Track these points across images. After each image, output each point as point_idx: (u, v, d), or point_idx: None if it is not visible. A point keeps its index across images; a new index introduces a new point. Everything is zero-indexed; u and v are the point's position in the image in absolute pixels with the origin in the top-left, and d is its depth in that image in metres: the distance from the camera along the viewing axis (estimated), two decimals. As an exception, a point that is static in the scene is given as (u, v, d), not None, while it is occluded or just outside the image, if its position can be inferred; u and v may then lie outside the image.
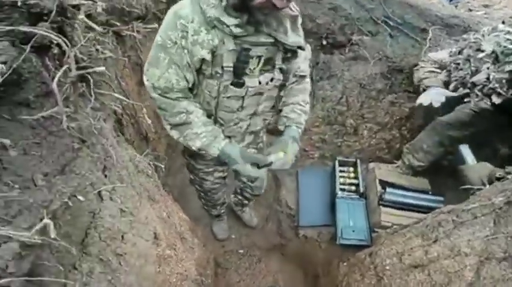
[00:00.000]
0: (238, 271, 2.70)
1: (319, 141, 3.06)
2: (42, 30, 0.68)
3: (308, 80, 1.72)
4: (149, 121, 2.12)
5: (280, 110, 1.70)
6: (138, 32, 2.14)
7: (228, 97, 1.43)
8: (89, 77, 0.99)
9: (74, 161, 0.82)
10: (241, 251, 2.80)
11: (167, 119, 1.46)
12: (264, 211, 3.01)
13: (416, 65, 2.63)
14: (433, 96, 2.32)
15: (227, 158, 1.48)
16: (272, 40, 1.30)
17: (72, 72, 0.78)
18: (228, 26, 1.21)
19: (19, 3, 0.68)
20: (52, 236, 0.62)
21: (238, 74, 1.35)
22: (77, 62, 1.02)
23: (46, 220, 0.61)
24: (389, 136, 2.99)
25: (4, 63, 0.59)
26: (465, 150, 2.30)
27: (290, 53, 1.41)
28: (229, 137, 1.64)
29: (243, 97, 1.45)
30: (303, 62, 1.60)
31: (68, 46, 0.76)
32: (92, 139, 0.94)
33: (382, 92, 2.84)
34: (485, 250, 1.35)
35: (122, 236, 0.97)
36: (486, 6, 4.15)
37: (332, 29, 2.71)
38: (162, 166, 1.75)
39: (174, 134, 1.49)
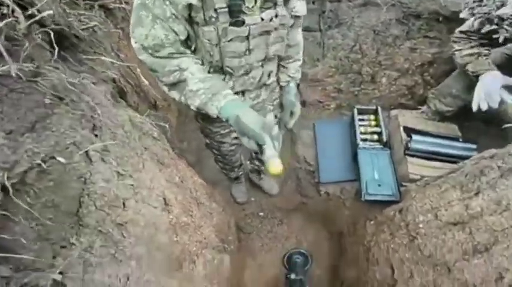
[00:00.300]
0: (260, 234, 2.64)
1: (334, 91, 2.87)
2: None
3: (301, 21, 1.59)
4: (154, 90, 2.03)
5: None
6: (126, 3, 2.05)
7: (230, 40, 1.28)
8: (50, 31, 0.84)
9: (48, 117, 0.69)
10: (261, 213, 2.72)
11: (161, 79, 1.33)
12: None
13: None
14: (491, 94, 1.91)
15: (229, 120, 1.22)
16: None
17: (21, 25, 0.64)
18: None
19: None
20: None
21: (235, 13, 1.22)
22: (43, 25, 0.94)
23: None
24: (411, 82, 2.78)
25: None
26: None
27: None
28: (242, 92, 1.56)
29: (247, 37, 1.30)
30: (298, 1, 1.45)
31: None
32: (71, 96, 0.80)
33: (399, 38, 2.62)
34: None
35: (124, 204, 0.84)
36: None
37: None
38: (166, 125, 1.60)
39: (174, 95, 1.35)
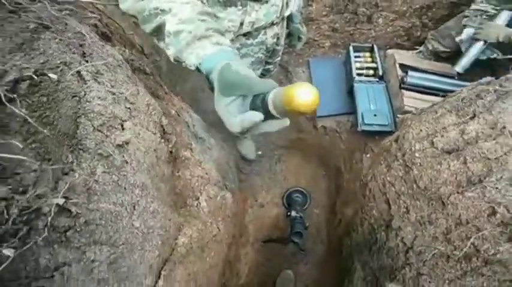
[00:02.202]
0: (260, 174, 2.63)
1: (329, 30, 2.77)
2: None
3: None
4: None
5: None
6: None
7: None
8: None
9: (35, 41, 0.61)
10: (260, 152, 2.70)
11: (144, 29, 0.97)
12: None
13: None
14: None
15: (213, 72, 0.79)
16: None
17: None
18: None
19: None
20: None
21: None
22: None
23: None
24: (408, 24, 2.70)
25: None
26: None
27: None
28: (263, 27, 1.44)
29: None
30: None
31: None
32: (57, 26, 0.71)
33: None
34: None
35: (122, 126, 0.78)
36: None
37: None
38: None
39: (162, 45, 0.96)
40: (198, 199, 1.39)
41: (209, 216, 1.46)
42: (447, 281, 1.21)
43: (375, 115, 2.13)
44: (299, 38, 1.81)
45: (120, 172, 0.76)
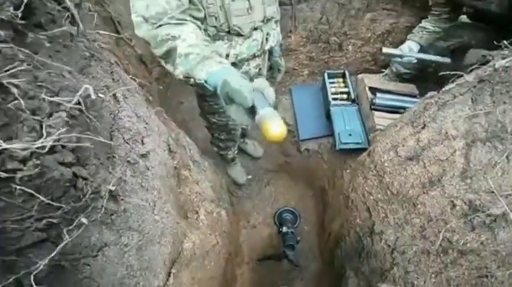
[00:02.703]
0: (251, 197, 2.85)
1: (306, 59, 3.12)
2: None
3: None
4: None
5: None
6: None
7: (233, 0, 1.43)
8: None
9: (88, 67, 0.88)
10: (249, 177, 2.93)
11: (156, 53, 1.28)
12: (264, 133, 3.09)
13: None
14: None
15: (217, 87, 1.05)
16: None
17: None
18: None
19: None
20: (92, 96, 0.68)
21: None
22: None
23: (87, 86, 0.66)
24: (373, 49, 3.05)
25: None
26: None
27: None
28: (246, 59, 1.71)
29: None
30: None
31: None
32: (98, 55, 0.99)
33: (360, 10, 2.86)
34: (469, 131, 1.37)
35: (142, 140, 1.04)
36: None
37: None
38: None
39: (169, 68, 1.27)
40: (197, 212, 1.62)
41: (208, 228, 1.67)
42: (433, 275, 1.37)
43: (350, 135, 2.40)
44: (279, 70, 2.11)
45: (143, 176, 1.01)
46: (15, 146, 0.48)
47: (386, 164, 1.79)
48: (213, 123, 2.12)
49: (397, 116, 2.39)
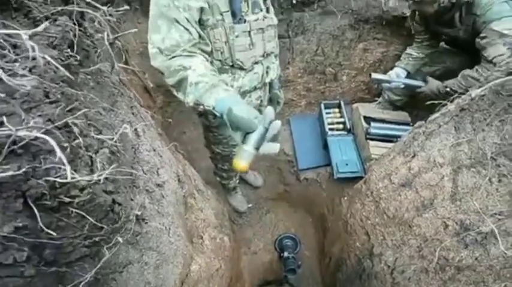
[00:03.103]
0: (251, 224, 2.97)
1: (304, 90, 3.31)
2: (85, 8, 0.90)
3: None
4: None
5: None
6: (110, 15, 2.30)
7: (237, 36, 1.61)
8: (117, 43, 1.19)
9: (116, 103, 1.05)
10: (250, 205, 3.05)
11: (168, 82, 1.46)
12: (264, 164, 3.26)
13: None
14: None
15: (223, 114, 1.20)
16: None
17: (109, 37, 0.99)
18: None
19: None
20: (133, 139, 0.84)
21: (236, 15, 1.56)
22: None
23: (125, 127, 0.82)
24: (366, 78, 3.25)
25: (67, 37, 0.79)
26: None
27: None
28: (249, 92, 1.89)
29: (249, 32, 1.65)
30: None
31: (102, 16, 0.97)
32: (121, 90, 1.16)
33: (353, 41, 3.06)
34: (454, 158, 1.52)
35: (157, 171, 1.20)
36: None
37: None
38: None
39: (180, 96, 1.45)
40: (202, 237, 1.75)
41: (212, 253, 1.80)
42: (433, 292, 1.50)
43: (346, 164, 2.54)
44: (278, 102, 2.31)
45: (159, 203, 1.16)
46: (85, 178, 0.63)
47: (381, 190, 1.93)
48: (217, 153, 2.27)
49: (391, 145, 2.58)
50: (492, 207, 1.32)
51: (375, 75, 2.65)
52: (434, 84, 2.46)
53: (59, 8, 0.83)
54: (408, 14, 2.67)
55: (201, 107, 1.30)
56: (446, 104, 1.70)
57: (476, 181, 1.40)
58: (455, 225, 1.44)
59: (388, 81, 2.63)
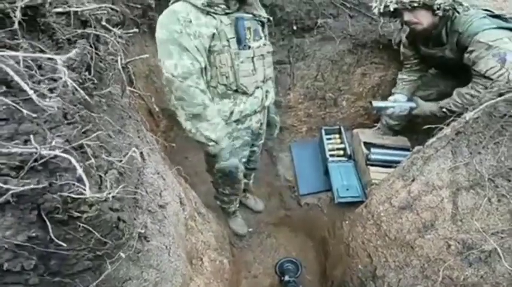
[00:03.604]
0: (252, 248, 2.97)
1: (304, 116, 3.40)
2: (100, 32, 0.98)
3: None
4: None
5: None
6: (120, 37, 2.40)
7: (242, 62, 1.74)
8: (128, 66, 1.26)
9: (124, 126, 1.11)
10: (250, 229, 3.06)
11: (185, 108, 1.71)
12: (266, 189, 3.31)
13: None
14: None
15: (227, 151, 1.88)
16: (251, 15, 1.79)
17: (121, 61, 1.07)
18: (218, 6, 1.62)
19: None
20: (139, 161, 0.90)
21: (241, 42, 1.71)
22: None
23: (134, 150, 0.89)
24: (366, 103, 3.34)
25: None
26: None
27: (264, 25, 1.91)
28: (249, 115, 2.01)
29: (252, 59, 1.78)
30: None
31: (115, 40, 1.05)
32: (130, 114, 1.23)
33: (352, 66, 3.15)
34: (453, 181, 1.55)
35: (160, 193, 1.25)
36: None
37: (299, 15, 2.96)
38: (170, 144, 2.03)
39: (188, 125, 1.77)
40: (201, 259, 1.79)
41: (211, 275, 1.83)
42: (439, 311, 1.52)
43: (347, 189, 2.62)
44: (275, 126, 2.43)
45: (161, 223, 1.21)
46: (97, 195, 0.69)
47: (382, 214, 1.96)
48: (216, 179, 2.34)
49: (391, 170, 2.63)
50: (493, 226, 1.35)
51: (376, 104, 2.70)
52: (425, 106, 2.51)
53: (79, 31, 0.90)
54: (394, 37, 2.78)
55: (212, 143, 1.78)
56: (442, 128, 1.75)
57: (476, 201, 1.44)
58: (457, 244, 1.46)
59: (387, 108, 2.68)
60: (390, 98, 2.77)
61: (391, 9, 2.12)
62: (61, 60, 0.68)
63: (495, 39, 1.92)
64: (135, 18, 2.51)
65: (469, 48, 2.04)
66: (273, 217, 3.20)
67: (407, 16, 2.15)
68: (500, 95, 1.50)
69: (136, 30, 1.85)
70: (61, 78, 0.70)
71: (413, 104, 2.59)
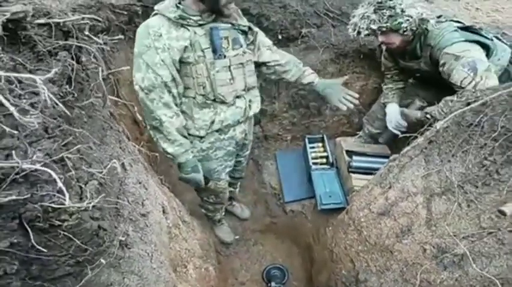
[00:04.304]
0: (238, 255, 3.00)
1: (289, 124, 3.44)
2: (83, 43, 1.01)
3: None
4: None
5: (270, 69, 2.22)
6: (105, 43, 2.38)
7: (218, 71, 1.76)
8: (110, 77, 1.29)
9: (106, 137, 1.15)
10: (237, 237, 3.10)
11: (147, 119, 1.80)
12: (252, 197, 3.37)
13: None
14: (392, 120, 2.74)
15: (189, 166, 1.90)
16: (229, 24, 1.81)
17: (103, 73, 1.10)
18: (190, 18, 1.66)
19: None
20: (120, 172, 0.95)
21: (216, 51, 1.73)
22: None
23: (114, 161, 0.93)
24: (347, 112, 3.34)
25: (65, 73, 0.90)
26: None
27: (245, 33, 1.91)
28: (231, 125, 2.02)
29: (229, 67, 1.80)
30: (264, 37, 2.10)
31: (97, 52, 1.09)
32: (111, 124, 1.27)
33: (334, 75, 3.18)
34: (426, 187, 1.62)
35: (142, 202, 1.30)
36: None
37: (284, 24, 3.02)
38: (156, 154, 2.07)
39: (151, 133, 1.85)
40: (186, 267, 1.82)
41: (196, 282, 1.86)
42: (420, 313, 1.52)
43: (330, 196, 2.68)
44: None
45: (143, 231, 1.25)
46: (77, 205, 0.73)
47: (362, 219, 2.02)
48: (200, 204, 2.43)
49: (372, 177, 2.68)
50: (464, 230, 1.41)
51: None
52: (412, 113, 2.55)
53: (61, 43, 0.93)
54: (377, 50, 2.85)
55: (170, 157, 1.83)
56: (416, 137, 1.82)
57: (448, 207, 1.51)
58: (432, 249, 1.52)
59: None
60: (387, 111, 2.80)
61: (363, 36, 2.26)
62: (41, 81, 0.71)
63: (462, 51, 2.00)
64: (120, 24, 2.52)
65: (441, 62, 2.12)
66: (259, 224, 3.25)
67: (380, 38, 2.27)
68: (468, 104, 1.58)
69: (122, 37, 1.87)
70: (43, 91, 0.73)
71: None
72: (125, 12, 2.56)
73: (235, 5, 1.83)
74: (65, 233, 0.79)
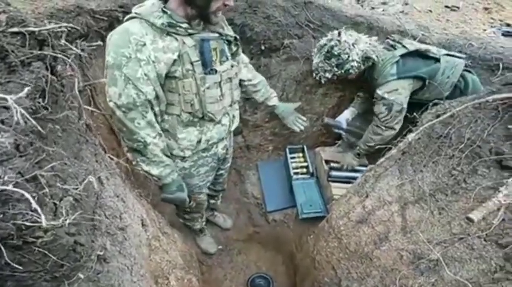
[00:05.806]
0: (222, 266, 2.99)
1: (271, 135, 3.46)
2: (60, 53, 0.98)
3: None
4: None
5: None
6: (82, 50, 2.18)
7: (208, 87, 1.60)
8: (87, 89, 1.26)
9: (81, 151, 1.15)
10: (220, 247, 3.10)
11: (125, 141, 1.62)
12: (234, 207, 3.37)
13: None
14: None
15: (174, 186, 1.83)
16: (217, 34, 1.65)
17: (79, 84, 1.08)
18: (180, 26, 1.46)
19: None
20: (96, 187, 0.95)
21: (207, 66, 1.56)
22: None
23: (91, 178, 0.94)
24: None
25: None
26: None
27: (231, 44, 1.77)
28: (215, 143, 1.95)
29: (219, 84, 1.65)
30: (242, 54, 2.00)
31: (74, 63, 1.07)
32: (86, 137, 1.25)
33: (314, 86, 3.25)
34: (400, 196, 1.67)
35: (120, 216, 1.30)
36: (384, 3, 4.73)
37: (267, 35, 3.04)
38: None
39: (130, 156, 1.70)
40: (168, 278, 1.81)
41: (179, 294, 1.87)
42: (400, 318, 1.55)
43: (310, 205, 2.76)
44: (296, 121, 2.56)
45: (122, 245, 1.25)
46: (52, 223, 0.74)
47: (342, 228, 2.07)
48: (177, 213, 2.40)
49: (350, 186, 2.73)
50: (437, 236, 1.46)
51: (327, 120, 2.97)
52: (349, 157, 2.86)
53: (35, 52, 0.89)
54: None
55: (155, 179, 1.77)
56: (391, 148, 1.89)
57: (421, 214, 1.56)
58: (408, 255, 1.57)
59: (337, 126, 2.95)
60: (342, 114, 3.00)
61: (324, 82, 2.60)
62: (12, 100, 0.71)
63: (390, 91, 2.34)
64: (100, 30, 2.47)
65: (374, 95, 2.44)
66: (242, 234, 3.26)
67: (337, 80, 2.62)
68: (438, 116, 1.64)
69: (100, 43, 1.72)
70: (14, 109, 0.72)
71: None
72: (105, 18, 2.49)
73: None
74: (40, 250, 0.79)
